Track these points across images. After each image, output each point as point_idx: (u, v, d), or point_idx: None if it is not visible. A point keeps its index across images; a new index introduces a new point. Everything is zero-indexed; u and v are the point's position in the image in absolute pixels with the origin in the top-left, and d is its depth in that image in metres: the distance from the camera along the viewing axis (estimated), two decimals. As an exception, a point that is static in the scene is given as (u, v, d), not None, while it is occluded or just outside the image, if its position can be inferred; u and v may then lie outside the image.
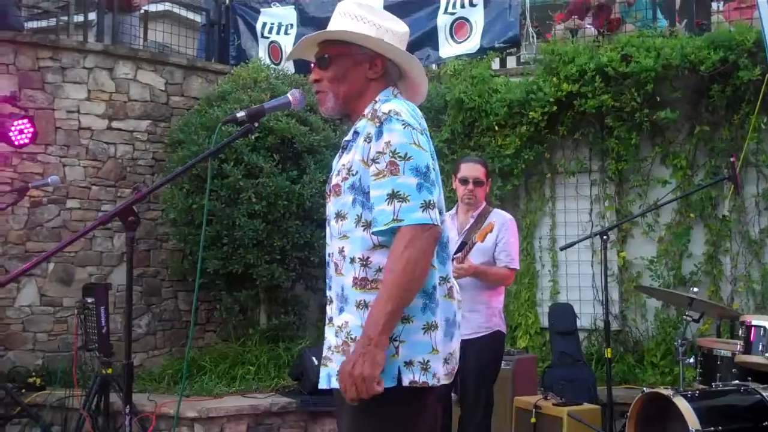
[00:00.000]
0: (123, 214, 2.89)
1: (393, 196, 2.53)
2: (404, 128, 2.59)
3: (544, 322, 7.82)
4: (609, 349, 5.42)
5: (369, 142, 2.63)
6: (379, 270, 2.59)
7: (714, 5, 8.68)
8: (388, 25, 2.82)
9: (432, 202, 2.55)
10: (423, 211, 2.52)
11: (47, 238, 7.99)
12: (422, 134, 2.64)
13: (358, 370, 2.43)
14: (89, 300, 6.85)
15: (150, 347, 8.50)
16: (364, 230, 2.63)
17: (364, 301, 2.60)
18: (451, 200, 5.33)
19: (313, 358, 6.85)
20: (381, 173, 2.57)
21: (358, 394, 2.44)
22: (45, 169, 8.01)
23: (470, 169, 5.18)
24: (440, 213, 2.62)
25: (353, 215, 2.66)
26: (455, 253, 4.84)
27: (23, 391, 7.27)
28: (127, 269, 3.01)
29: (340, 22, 2.82)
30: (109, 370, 6.42)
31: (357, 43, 2.78)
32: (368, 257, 2.62)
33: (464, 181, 5.13)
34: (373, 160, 2.60)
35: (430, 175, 2.59)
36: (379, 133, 2.60)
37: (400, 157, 2.55)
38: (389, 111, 2.62)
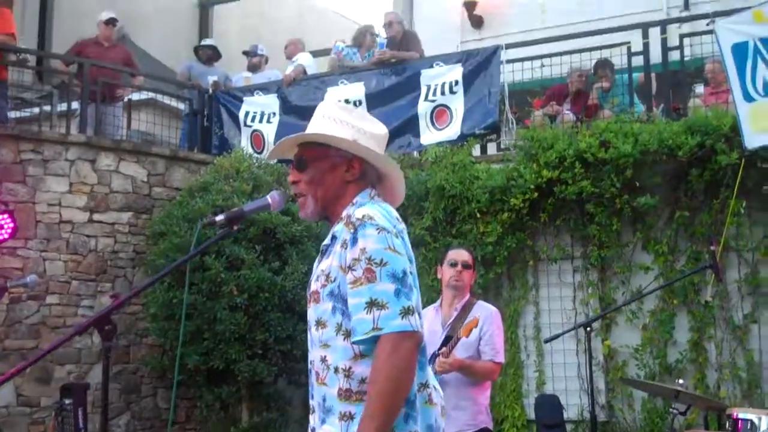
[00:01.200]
0: (99, 323, 2.83)
1: (371, 304, 2.50)
2: (378, 233, 2.57)
3: (531, 414, 7.69)
4: (597, 443, 5.32)
5: (345, 249, 2.61)
6: (362, 381, 2.55)
7: (699, 89, 8.79)
8: (367, 128, 2.83)
9: (411, 307, 2.52)
10: (402, 317, 2.50)
11: (26, 335, 7.90)
12: (397, 237, 2.62)
13: None
14: (67, 401, 6.76)
15: (130, 447, 8.34)
16: (344, 339, 2.60)
17: (350, 413, 2.55)
18: (434, 290, 5.30)
19: (296, 457, 6.72)
20: (358, 281, 2.54)
21: None
22: (25, 264, 7.96)
23: (459, 254, 5.16)
24: (419, 316, 2.58)
25: (333, 324, 2.63)
26: (440, 348, 4.78)
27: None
28: (102, 379, 2.89)
29: (319, 124, 2.83)
30: (87, 475, 6.27)
31: (334, 145, 2.78)
32: (350, 367, 2.58)
33: (453, 264, 5.09)
34: (350, 267, 2.58)
35: (407, 279, 2.56)
36: (354, 240, 2.59)
37: (375, 263, 2.53)
38: (363, 216, 2.61)
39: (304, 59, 10.26)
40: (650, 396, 7.45)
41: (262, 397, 8.13)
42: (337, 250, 2.65)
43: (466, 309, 5.05)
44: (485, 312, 5.06)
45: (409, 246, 2.70)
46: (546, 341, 6.38)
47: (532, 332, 8.08)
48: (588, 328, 5.36)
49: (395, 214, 2.72)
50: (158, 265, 7.78)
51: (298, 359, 7.78)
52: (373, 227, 2.58)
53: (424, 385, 2.67)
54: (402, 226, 2.71)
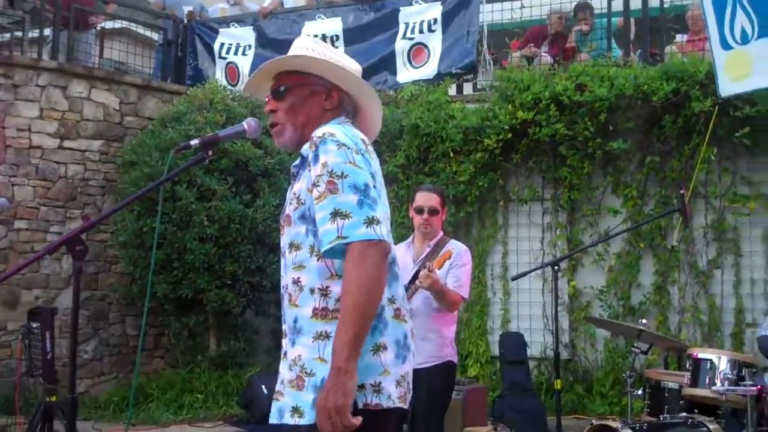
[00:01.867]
0: (70, 243, 2.78)
1: (335, 215, 2.49)
2: (338, 148, 2.56)
3: (495, 350, 7.80)
4: (559, 381, 5.40)
5: (310, 169, 2.61)
6: (339, 300, 2.54)
7: (678, 37, 8.77)
8: (344, 62, 2.83)
9: (375, 217, 2.51)
10: (367, 226, 2.49)
11: (-6, 259, 7.85)
12: (358, 154, 2.60)
13: (331, 402, 2.37)
14: (34, 325, 6.67)
15: (96, 373, 8.36)
16: (318, 260, 2.60)
17: (326, 332, 2.55)
18: (406, 227, 5.31)
19: (263, 386, 6.77)
20: (322, 195, 2.53)
21: (334, 428, 2.39)
22: (-7, 188, 7.87)
23: (425, 198, 5.11)
24: (386, 228, 2.57)
25: (307, 245, 2.62)
26: (410, 283, 4.80)
27: (-37, 417, 7.09)
28: (73, 300, 2.86)
29: (298, 54, 2.82)
30: (54, 398, 6.25)
31: (315, 73, 2.76)
32: (327, 286, 2.58)
33: (419, 211, 5.07)
34: (314, 185, 2.57)
35: (369, 192, 2.55)
36: (316, 157, 2.57)
37: (336, 176, 2.52)
38: (323, 134, 2.59)
39: None
40: (613, 336, 7.59)
41: (229, 327, 8.18)
42: (306, 173, 2.65)
43: (439, 246, 5.06)
44: (456, 249, 5.09)
45: (376, 166, 2.69)
46: (513, 279, 6.41)
47: (499, 271, 8.16)
48: (555, 268, 5.42)
49: (362, 136, 2.70)
50: (129, 193, 7.73)
51: (267, 290, 7.82)
52: (333, 143, 2.56)
53: (391, 300, 2.66)
54: (367, 147, 2.69)
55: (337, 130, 2.62)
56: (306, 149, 2.67)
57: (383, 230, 2.54)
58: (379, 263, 2.51)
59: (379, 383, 2.55)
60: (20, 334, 6.95)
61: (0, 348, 7.79)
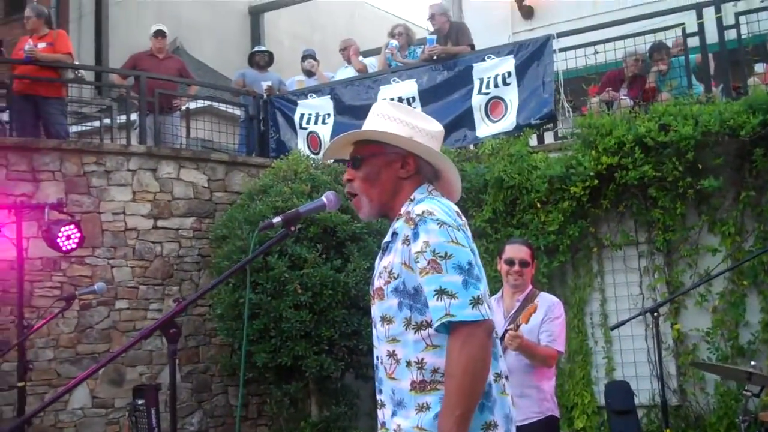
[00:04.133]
0: (164, 327, 2.89)
1: (441, 293, 2.52)
2: (440, 227, 2.58)
3: (601, 400, 7.60)
4: (668, 430, 5.23)
5: (408, 245, 2.63)
6: (435, 371, 2.57)
7: (759, 67, 8.63)
8: (422, 125, 2.85)
9: (480, 297, 2.53)
10: (473, 307, 2.50)
11: (97, 340, 8.08)
12: (459, 230, 2.63)
13: None
14: (139, 401, 6.87)
15: (203, 445, 8.46)
16: (415, 332, 2.62)
17: (427, 404, 2.57)
18: (496, 280, 5.27)
19: (367, 450, 6.74)
20: (424, 270, 2.56)
21: None
22: (93, 272, 8.15)
23: (516, 250, 5.09)
24: (489, 306, 2.59)
25: (401, 319, 2.64)
26: (501, 340, 4.75)
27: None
28: (170, 382, 3.01)
29: (374, 123, 2.86)
30: (162, 473, 6.38)
31: (388, 142, 2.80)
32: (423, 359, 2.60)
33: (510, 263, 5.04)
34: (415, 261, 2.60)
35: (473, 270, 2.57)
36: (416, 235, 2.60)
37: (440, 257, 2.54)
38: (422, 212, 2.62)
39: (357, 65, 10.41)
40: (723, 379, 7.32)
41: (330, 392, 8.19)
42: (399, 246, 2.67)
43: (528, 300, 5.00)
44: (547, 302, 5.02)
45: (471, 239, 2.71)
46: (612, 328, 6.31)
47: (599, 319, 7.99)
48: (655, 313, 5.29)
49: (455, 208, 2.72)
50: (222, 267, 7.90)
51: (365, 353, 7.82)
52: (433, 222, 2.59)
53: (499, 375, 2.67)
54: (463, 220, 2.71)
55: (435, 207, 2.64)
56: (399, 226, 2.70)
57: (487, 309, 2.55)
58: (484, 344, 2.53)
59: None
60: (126, 411, 7.12)
61: (108, 425, 7.97)
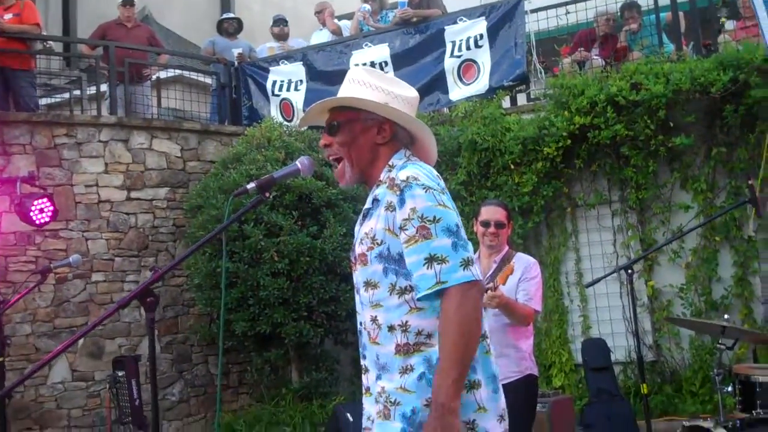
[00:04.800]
0: (141, 296, 2.89)
1: (431, 260, 2.53)
2: (426, 192, 2.59)
3: (578, 358, 7.71)
4: (644, 385, 5.31)
5: (392, 211, 2.63)
6: (419, 333, 2.59)
7: (729, 24, 8.65)
8: (397, 92, 2.85)
9: (470, 258, 2.55)
10: (464, 269, 2.52)
11: (75, 314, 8.05)
12: (443, 193, 2.64)
13: None
14: (120, 373, 6.86)
15: (184, 414, 8.48)
16: (399, 297, 2.63)
17: (411, 366, 2.59)
18: (473, 242, 5.30)
19: (348, 415, 6.78)
20: (413, 239, 2.56)
21: None
22: (68, 245, 8.10)
23: (491, 212, 5.09)
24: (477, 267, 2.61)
25: (386, 284, 2.65)
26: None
27: (61, 469, 7.26)
28: (149, 349, 3.01)
29: (349, 89, 2.85)
30: (145, 443, 6.40)
31: (365, 109, 2.80)
32: (407, 322, 2.61)
33: (486, 224, 5.04)
34: (401, 228, 2.60)
35: (461, 232, 2.58)
36: (402, 201, 2.60)
37: (429, 221, 2.55)
38: (407, 178, 2.62)
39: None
40: (697, 334, 7.44)
41: (310, 358, 8.23)
42: (381, 213, 2.67)
43: (505, 261, 5.01)
44: (523, 262, 5.04)
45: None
46: (587, 286, 6.33)
47: (574, 278, 8.09)
48: (629, 270, 5.35)
49: (435, 173, 2.73)
50: (198, 236, 7.87)
51: (343, 319, 7.86)
52: (419, 187, 2.60)
53: (483, 335, 2.68)
54: (443, 184, 2.72)
55: (419, 172, 2.65)
56: (381, 192, 2.71)
57: (478, 271, 2.57)
58: (476, 304, 2.55)
59: (473, 420, 2.58)
60: (107, 383, 7.11)
61: (89, 398, 7.97)
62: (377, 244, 2.67)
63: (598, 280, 5.64)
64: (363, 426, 2.74)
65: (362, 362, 2.78)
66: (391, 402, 2.59)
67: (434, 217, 2.56)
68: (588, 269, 7.97)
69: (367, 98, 2.79)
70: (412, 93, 2.90)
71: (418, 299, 2.59)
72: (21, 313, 7.79)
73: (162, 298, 8.23)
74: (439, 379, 2.49)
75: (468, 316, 2.50)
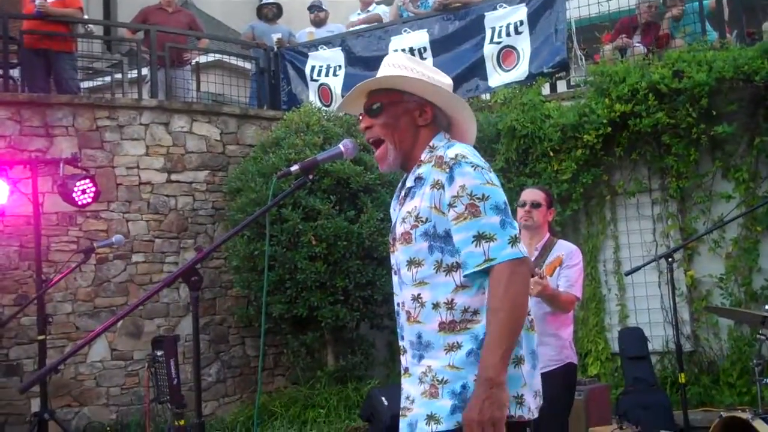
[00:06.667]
0: (186, 275, 2.92)
1: (479, 237, 2.55)
2: (474, 170, 2.60)
3: (615, 347, 7.67)
4: (683, 374, 5.29)
5: (440, 189, 2.64)
6: (465, 310, 2.60)
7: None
8: (435, 77, 2.86)
9: (517, 236, 2.57)
10: (512, 246, 2.54)
11: (115, 294, 8.17)
12: (490, 172, 2.66)
13: (486, 414, 2.42)
14: (158, 353, 6.89)
15: (221, 395, 8.58)
16: (446, 275, 2.63)
17: (458, 343, 2.59)
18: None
19: (383, 398, 6.80)
20: (461, 216, 2.58)
21: None
22: (109, 226, 8.21)
23: (529, 193, 5.07)
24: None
25: (431, 261, 2.65)
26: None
27: (100, 446, 7.38)
28: (193, 328, 3.04)
29: (388, 72, 2.85)
30: (182, 422, 6.43)
31: (408, 90, 2.80)
32: (452, 299, 2.62)
33: (522, 204, 5.04)
34: (450, 206, 2.61)
35: (508, 210, 2.61)
36: (451, 178, 2.61)
37: (478, 198, 2.57)
38: (456, 155, 2.63)
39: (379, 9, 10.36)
40: (736, 324, 7.37)
41: (345, 341, 8.29)
42: (427, 191, 2.67)
43: (547, 248, 4.99)
44: (565, 249, 5.01)
45: None
46: (626, 274, 6.28)
47: (612, 267, 8.04)
48: (669, 259, 5.32)
49: (478, 154, 2.74)
50: (237, 219, 7.94)
51: (379, 303, 7.89)
52: (468, 165, 2.60)
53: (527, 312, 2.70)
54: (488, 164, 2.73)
55: (467, 151, 2.66)
56: (426, 171, 2.71)
57: (525, 248, 2.59)
58: (525, 281, 2.59)
59: (522, 395, 2.60)
60: (146, 362, 7.18)
61: (128, 377, 8.09)
62: (422, 222, 2.67)
63: (638, 268, 5.61)
64: (402, 406, 2.74)
65: (400, 343, 2.79)
66: (438, 381, 2.59)
67: (483, 194, 2.57)
68: (626, 258, 7.91)
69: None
70: (448, 80, 2.91)
71: (465, 276, 2.59)
72: (62, 292, 7.92)
73: (200, 279, 8.30)
74: (486, 354, 2.50)
75: (517, 292, 2.52)
